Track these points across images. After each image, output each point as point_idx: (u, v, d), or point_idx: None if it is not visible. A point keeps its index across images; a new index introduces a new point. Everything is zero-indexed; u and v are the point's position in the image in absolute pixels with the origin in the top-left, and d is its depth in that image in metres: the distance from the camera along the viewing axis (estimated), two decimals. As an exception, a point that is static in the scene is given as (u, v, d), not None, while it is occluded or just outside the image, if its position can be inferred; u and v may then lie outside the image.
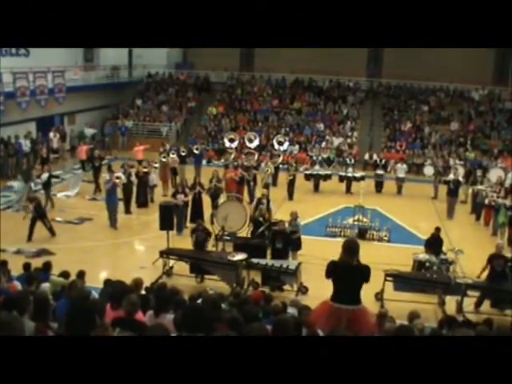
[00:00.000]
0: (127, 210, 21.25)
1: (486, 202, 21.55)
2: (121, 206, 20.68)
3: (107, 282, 10.76)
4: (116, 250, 17.88)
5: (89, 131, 34.63)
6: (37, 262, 12.78)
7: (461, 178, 24.25)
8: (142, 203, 22.26)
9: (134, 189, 21.87)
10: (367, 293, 7.58)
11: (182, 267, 15.45)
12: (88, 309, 5.57)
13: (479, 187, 22.51)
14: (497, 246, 15.04)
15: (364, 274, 7.35)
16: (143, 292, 9.56)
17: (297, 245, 16.41)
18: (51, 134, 30.67)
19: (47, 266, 11.83)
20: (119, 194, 20.44)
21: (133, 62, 42.10)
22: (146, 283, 10.71)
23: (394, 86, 40.39)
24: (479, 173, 25.32)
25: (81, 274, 11.15)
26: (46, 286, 10.41)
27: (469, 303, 13.84)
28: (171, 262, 15.57)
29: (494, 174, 25.12)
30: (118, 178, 20.09)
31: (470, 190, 24.32)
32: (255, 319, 7.06)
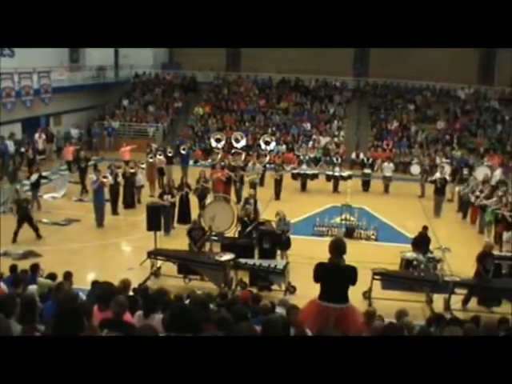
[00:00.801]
0: (114, 211, 21.17)
1: (473, 200, 21.64)
2: (108, 206, 20.60)
3: (94, 283, 10.71)
4: (103, 251, 17.81)
5: (75, 132, 34.44)
6: (24, 264, 12.70)
7: (447, 177, 24.37)
8: (129, 204, 22.18)
9: (121, 189, 21.78)
10: (355, 292, 7.61)
11: (169, 268, 15.41)
12: (75, 311, 5.54)
13: (465, 191, 22.59)
14: (487, 245, 15.09)
15: (350, 275, 7.38)
16: (131, 293, 9.52)
17: (286, 244, 16.41)
18: (36, 136, 30.46)
19: (34, 268, 11.76)
20: (106, 194, 20.37)
21: (119, 63, 41.92)
22: (134, 284, 10.66)
23: (381, 85, 40.51)
24: (466, 171, 25.42)
25: (68, 276, 11.08)
26: (33, 288, 10.34)
27: (456, 301, 13.90)
28: (159, 263, 15.54)
29: (481, 172, 25.24)
30: (104, 177, 20.03)
31: (457, 189, 24.43)
32: (244, 319, 7.05)
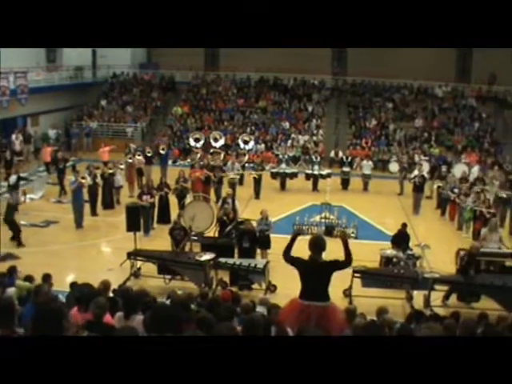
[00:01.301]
0: (93, 212, 21.05)
1: (452, 198, 21.81)
2: (87, 207, 20.49)
3: (73, 285, 10.64)
4: (83, 253, 17.70)
5: (52, 133, 34.19)
6: (2, 267, 12.59)
7: (426, 174, 24.54)
8: (108, 205, 22.06)
9: (100, 190, 21.67)
10: (335, 290, 7.64)
11: (149, 268, 15.36)
12: (55, 313, 5.49)
13: (445, 191, 22.74)
14: (473, 246, 15.11)
15: (331, 268, 7.41)
16: (111, 294, 9.48)
17: (266, 243, 16.42)
18: (14, 136, 30.19)
19: (12, 271, 11.65)
20: (85, 195, 20.26)
21: (97, 63, 41.68)
22: (114, 285, 10.61)
23: (359, 84, 40.67)
24: (444, 168, 25.60)
25: (47, 278, 10.99)
26: (11, 290, 10.25)
27: (436, 297, 13.98)
28: (139, 264, 15.49)
29: (459, 170, 25.43)
30: (83, 178, 19.93)
31: (435, 186, 24.60)
32: (228, 319, 7.06)
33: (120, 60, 40.20)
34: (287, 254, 7.57)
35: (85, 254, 17.61)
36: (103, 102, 38.91)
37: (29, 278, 11.19)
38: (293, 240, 7.64)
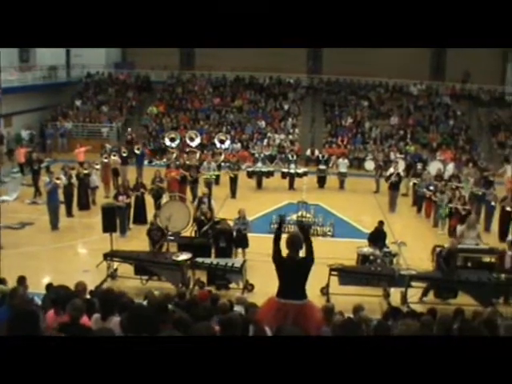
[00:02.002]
0: (69, 213, 20.89)
1: (427, 195, 21.98)
2: (62, 208, 20.33)
3: (49, 287, 10.55)
4: (59, 254, 17.55)
5: (25, 133, 33.87)
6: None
7: (401, 172, 24.71)
8: (84, 205, 21.91)
9: (75, 191, 21.51)
10: (313, 288, 7.66)
11: (126, 269, 15.29)
12: (31, 316, 5.45)
13: (421, 189, 22.90)
14: (452, 243, 15.36)
15: (306, 265, 7.42)
16: (88, 296, 9.41)
17: (244, 242, 16.42)
18: (-14, 138, 29.94)
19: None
20: (60, 196, 20.10)
21: (71, 62, 41.34)
22: (91, 287, 10.55)
23: (334, 82, 40.82)
24: (419, 166, 25.77)
25: (22, 280, 10.88)
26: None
27: (413, 294, 14.07)
28: (115, 265, 15.41)
29: (434, 167, 25.61)
30: (58, 178, 19.77)
31: (411, 183, 24.76)
32: (205, 319, 7.05)
33: (94, 59, 39.84)
34: (278, 255, 7.54)
35: (61, 255, 17.47)
36: (78, 102, 38.64)
37: (1, 281, 11.06)
38: (278, 238, 7.62)
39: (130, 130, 33.73)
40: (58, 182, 19.57)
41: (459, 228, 18.00)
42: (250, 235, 16.81)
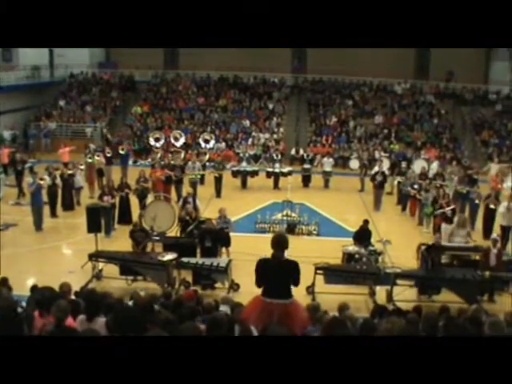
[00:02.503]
0: (53, 214, 20.77)
1: (412, 193, 22.08)
2: (46, 209, 20.22)
3: (34, 288, 10.48)
4: (43, 256, 17.45)
5: (8, 134, 33.61)
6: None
7: (386, 171, 24.80)
8: (68, 206, 21.80)
9: (60, 192, 21.39)
10: (298, 287, 7.63)
11: (111, 270, 15.22)
12: (15, 318, 5.42)
13: (405, 187, 22.99)
14: (436, 239, 15.60)
15: (292, 270, 7.42)
16: (73, 297, 9.36)
17: (226, 241, 16.40)
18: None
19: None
20: (44, 197, 19.99)
21: (54, 62, 41.14)
22: (76, 288, 10.49)
23: (319, 82, 40.92)
24: (404, 164, 25.89)
25: (4, 282, 10.81)
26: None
27: (398, 292, 14.12)
28: (100, 265, 15.34)
29: (418, 165, 25.73)
30: (41, 179, 19.66)
31: (396, 182, 24.87)
32: (191, 319, 7.04)
33: (78, 59, 39.69)
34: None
35: (45, 256, 17.37)
36: (61, 102, 38.46)
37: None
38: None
39: (105, 130, 33.64)
40: (41, 182, 19.45)
41: (444, 226, 18.11)
42: (235, 235, 16.81)
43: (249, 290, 10.62)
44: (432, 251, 14.68)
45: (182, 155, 26.56)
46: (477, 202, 20.75)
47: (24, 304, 9.07)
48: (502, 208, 18.65)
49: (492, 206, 19.59)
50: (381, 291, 14.47)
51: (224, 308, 9.07)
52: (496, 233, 17.31)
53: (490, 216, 19.70)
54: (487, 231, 19.26)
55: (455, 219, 18.08)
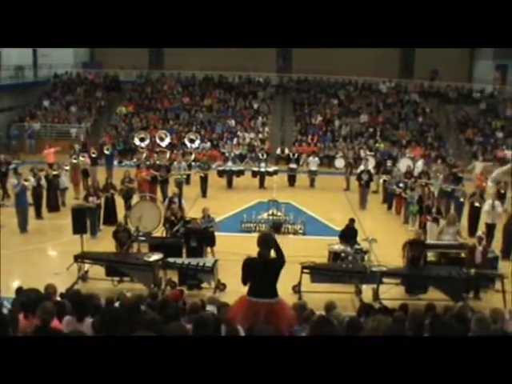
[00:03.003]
0: (38, 215, 20.66)
1: (397, 192, 22.16)
2: (31, 210, 20.10)
3: (19, 290, 10.42)
4: (28, 257, 17.33)
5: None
6: None
7: (372, 169, 24.89)
8: (54, 207, 21.68)
9: (45, 193, 21.27)
10: (284, 286, 7.67)
11: (97, 271, 15.16)
12: (1, 320, 5.39)
13: (391, 186, 23.06)
14: (416, 233, 15.68)
15: (277, 265, 7.43)
16: (58, 298, 9.32)
17: (211, 241, 16.39)
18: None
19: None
20: (29, 198, 19.87)
21: (38, 62, 40.88)
22: (61, 289, 10.45)
23: (304, 81, 40.97)
24: (389, 163, 25.99)
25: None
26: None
27: (384, 290, 14.16)
28: (86, 266, 15.27)
29: (404, 164, 25.81)
30: (26, 180, 19.53)
31: (381, 181, 24.96)
32: (177, 319, 7.04)
33: (62, 59, 39.41)
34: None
35: (30, 258, 17.25)
36: (46, 103, 38.27)
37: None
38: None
39: (82, 136, 33.55)
40: (26, 183, 19.32)
41: (429, 224, 18.20)
42: (221, 234, 16.80)
43: (235, 290, 10.61)
44: (413, 247, 14.72)
45: (168, 155, 26.53)
46: (462, 200, 20.85)
47: (9, 306, 9.03)
48: (486, 206, 18.75)
49: (477, 204, 19.69)
50: (367, 290, 14.49)
51: (210, 308, 9.06)
52: (481, 230, 17.43)
53: (474, 214, 19.81)
54: (472, 229, 19.37)
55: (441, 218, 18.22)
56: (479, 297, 14.57)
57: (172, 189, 21.10)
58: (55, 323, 6.66)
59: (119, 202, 20.37)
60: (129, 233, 15.98)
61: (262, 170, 26.96)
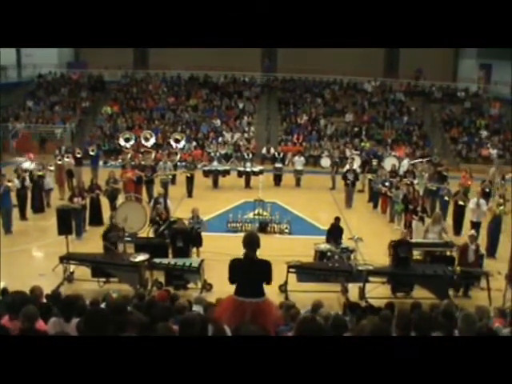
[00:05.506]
0: (23, 216, 20.53)
1: (383, 191, 22.25)
2: (15, 211, 19.97)
3: (4, 292, 10.36)
4: (13, 259, 17.17)
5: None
6: None
7: (357, 168, 24.99)
8: (38, 208, 21.57)
9: (29, 193, 21.16)
10: (271, 285, 7.65)
11: (83, 272, 15.10)
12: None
13: (376, 185, 23.14)
14: (402, 233, 15.71)
15: (265, 269, 7.43)
16: (44, 300, 9.28)
17: (198, 241, 16.38)
18: None
19: None
20: (13, 199, 19.75)
21: (22, 62, 40.63)
22: (47, 291, 10.40)
23: (289, 80, 41.03)
24: (375, 162, 26.08)
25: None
26: None
27: (371, 289, 14.20)
28: (72, 267, 15.20)
29: (389, 163, 25.92)
30: (9, 181, 19.41)
31: (367, 180, 25.05)
32: (164, 319, 7.02)
33: (46, 59, 39.13)
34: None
35: (15, 260, 17.12)
36: (30, 103, 38.01)
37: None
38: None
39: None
40: (9, 184, 19.21)
41: (415, 223, 18.30)
42: (207, 234, 16.80)
43: (222, 290, 10.63)
44: (400, 248, 14.77)
45: (153, 155, 26.46)
46: (446, 198, 20.95)
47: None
48: (471, 204, 18.89)
49: (461, 203, 19.81)
50: (353, 288, 14.54)
51: (197, 308, 9.05)
52: (465, 228, 17.54)
53: (459, 212, 19.94)
54: (457, 227, 19.50)
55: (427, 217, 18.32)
56: (469, 295, 14.68)
57: (157, 189, 21.05)
58: (40, 324, 6.62)
59: (104, 202, 20.32)
60: (123, 231, 15.82)
61: (248, 169, 26.99)
